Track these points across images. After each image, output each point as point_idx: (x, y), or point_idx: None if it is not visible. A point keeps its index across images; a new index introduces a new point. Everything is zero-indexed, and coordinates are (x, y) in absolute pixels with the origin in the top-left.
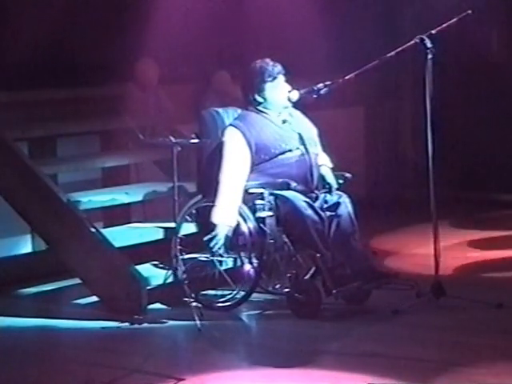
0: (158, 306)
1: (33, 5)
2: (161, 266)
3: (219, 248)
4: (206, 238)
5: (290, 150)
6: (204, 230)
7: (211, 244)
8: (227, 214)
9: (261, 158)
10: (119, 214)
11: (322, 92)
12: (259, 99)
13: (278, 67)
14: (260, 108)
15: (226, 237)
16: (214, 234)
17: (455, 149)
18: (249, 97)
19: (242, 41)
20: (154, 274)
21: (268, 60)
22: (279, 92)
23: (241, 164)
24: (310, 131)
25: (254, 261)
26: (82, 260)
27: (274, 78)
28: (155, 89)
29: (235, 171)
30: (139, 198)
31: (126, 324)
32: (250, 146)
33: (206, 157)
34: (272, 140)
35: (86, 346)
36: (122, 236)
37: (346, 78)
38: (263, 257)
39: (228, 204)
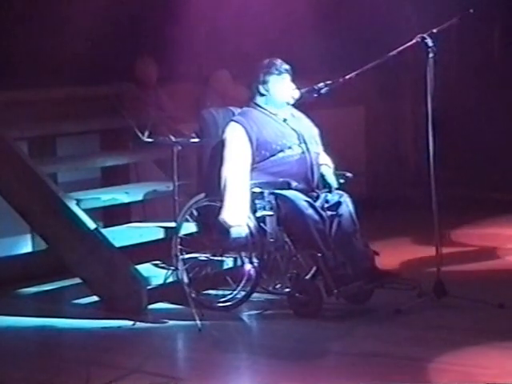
0: (158, 305)
1: (32, 4)
2: (161, 265)
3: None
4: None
5: (291, 147)
6: (205, 230)
7: (234, 245)
8: (239, 212)
9: (261, 153)
10: (119, 214)
11: (322, 91)
12: (262, 91)
13: (286, 66)
14: (261, 104)
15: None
16: (235, 234)
17: (456, 148)
18: (253, 88)
19: (243, 40)
20: (155, 273)
21: (278, 59)
22: (282, 87)
23: (243, 158)
24: (311, 131)
25: (255, 260)
26: (82, 260)
27: (280, 73)
28: (155, 88)
29: (238, 166)
30: (139, 197)
31: (127, 324)
32: (252, 142)
33: (208, 155)
34: (273, 136)
35: (86, 346)
36: (122, 236)
37: (347, 77)
38: (264, 256)
39: (238, 203)
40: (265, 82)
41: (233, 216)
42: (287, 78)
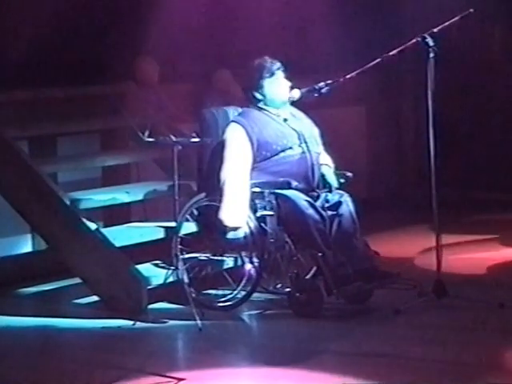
0: (158, 305)
1: (32, 4)
2: (161, 265)
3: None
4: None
5: (291, 148)
6: (205, 229)
7: (233, 245)
8: (238, 213)
9: (262, 154)
10: (119, 214)
11: (323, 91)
12: (258, 96)
13: (277, 64)
14: (261, 105)
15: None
16: (232, 235)
17: (457, 148)
18: (248, 94)
19: (244, 39)
20: (155, 273)
21: (266, 57)
22: (278, 88)
23: (243, 159)
24: (312, 130)
25: (255, 260)
26: (82, 259)
27: (272, 74)
28: (155, 87)
29: (238, 167)
30: (140, 197)
31: (127, 324)
32: (252, 142)
33: (208, 155)
34: (274, 136)
35: (86, 346)
36: (122, 235)
37: (348, 76)
38: (264, 256)
39: (238, 204)
40: (259, 87)
41: (231, 218)
42: (280, 75)
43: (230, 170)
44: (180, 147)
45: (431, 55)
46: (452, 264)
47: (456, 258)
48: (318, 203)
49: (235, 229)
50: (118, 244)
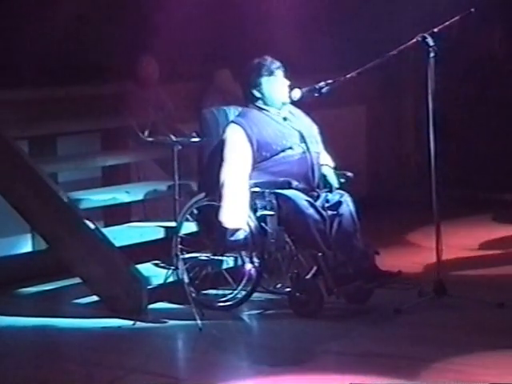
0: (158, 305)
1: (33, 4)
2: (161, 265)
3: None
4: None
5: (291, 148)
6: (205, 229)
7: (234, 245)
8: (238, 215)
9: (262, 155)
10: (120, 213)
11: (323, 90)
12: (257, 94)
13: (277, 63)
14: (260, 105)
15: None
16: (232, 238)
17: (457, 147)
18: (247, 92)
19: (244, 39)
20: (155, 273)
21: (267, 57)
22: (277, 87)
23: (243, 161)
24: (311, 129)
25: (256, 260)
26: (83, 259)
27: (272, 73)
28: (155, 87)
29: (237, 168)
30: (140, 196)
31: (127, 324)
32: (252, 143)
33: (207, 154)
34: (273, 137)
35: (86, 346)
36: (122, 235)
37: (348, 76)
38: (264, 256)
39: (237, 205)
40: (257, 85)
41: (231, 219)
42: (279, 75)
43: (230, 172)
44: (180, 147)
45: (431, 55)
46: (452, 263)
47: (456, 258)
48: (318, 203)
49: (235, 231)
50: (117, 244)
